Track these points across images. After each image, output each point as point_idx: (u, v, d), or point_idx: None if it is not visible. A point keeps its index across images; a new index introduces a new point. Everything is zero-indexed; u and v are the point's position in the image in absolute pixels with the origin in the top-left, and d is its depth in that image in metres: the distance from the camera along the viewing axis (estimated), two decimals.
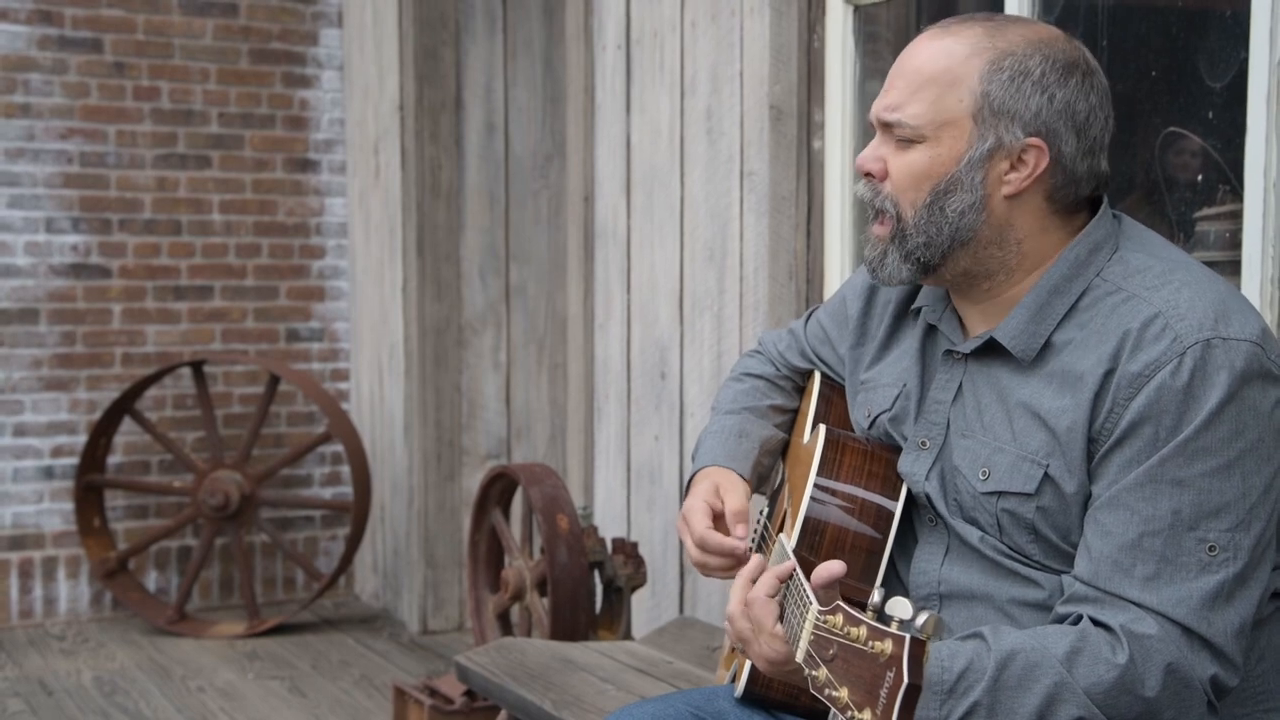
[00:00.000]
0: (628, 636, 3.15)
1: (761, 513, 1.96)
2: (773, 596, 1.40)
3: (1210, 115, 2.16)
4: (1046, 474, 1.44)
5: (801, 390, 1.93)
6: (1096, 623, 1.38)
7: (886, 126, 1.52)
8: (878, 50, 2.93)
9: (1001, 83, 1.46)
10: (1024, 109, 1.46)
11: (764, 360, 1.96)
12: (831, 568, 1.32)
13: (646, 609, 3.41)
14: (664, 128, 3.33)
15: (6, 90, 4.61)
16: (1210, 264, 2.10)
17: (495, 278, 4.65)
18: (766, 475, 1.89)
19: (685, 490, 1.82)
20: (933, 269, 1.52)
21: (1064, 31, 1.55)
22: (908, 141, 1.49)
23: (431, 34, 4.53)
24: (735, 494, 1.75)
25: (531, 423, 4.65)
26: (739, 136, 3.06)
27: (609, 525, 3.55)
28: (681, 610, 3.32)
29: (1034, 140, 1.46)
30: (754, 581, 1.44)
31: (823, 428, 1.66)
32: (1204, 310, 1.40)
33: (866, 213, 1.58)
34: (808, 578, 1.46)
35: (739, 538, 1.70)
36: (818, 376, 1.87)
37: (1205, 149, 2.16)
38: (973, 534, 1.51)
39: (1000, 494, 1.48)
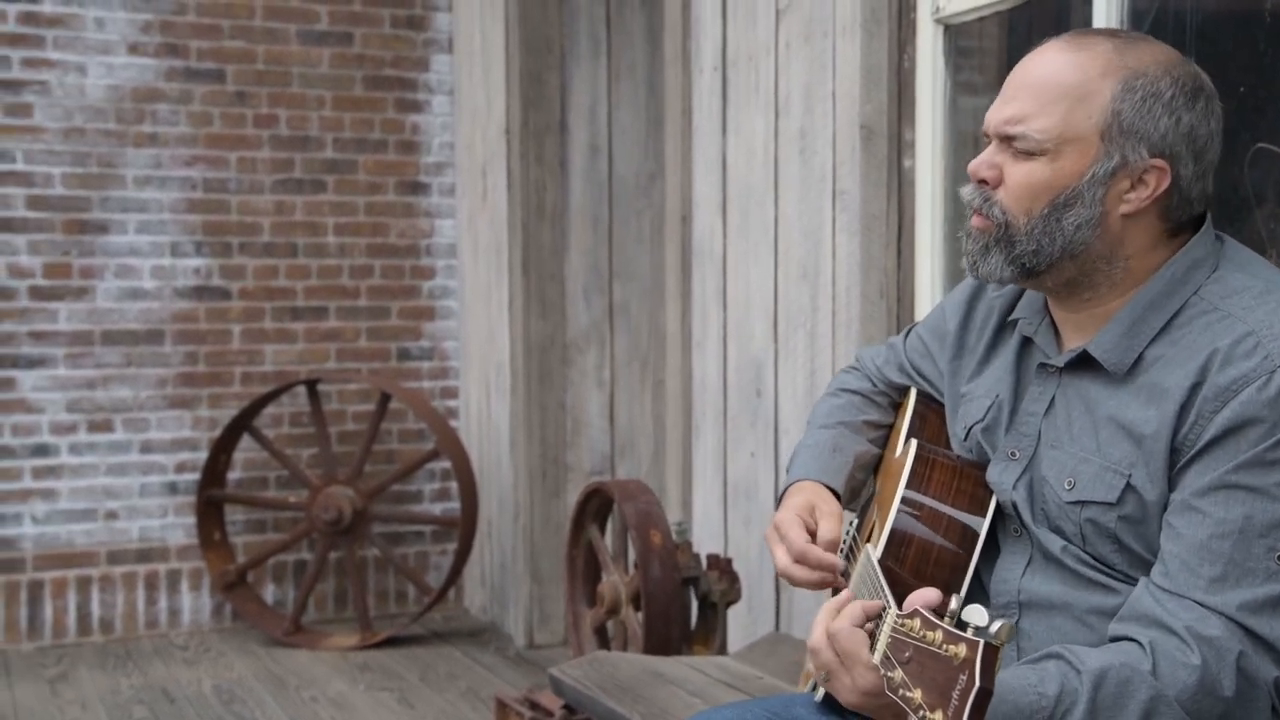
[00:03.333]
0: (722, 652, 3.17)
1: (851, 523, 1.97)
2: (860, 626, 1.38)
3: None
4: (1129, 484, 1.45)
5: (897, 406, 1.95)
6: (1160, 625, 1.38)
7: (1006, 139, 1.51)
8: (968, 68, 2.93)
9: (1134, 103, 1.46)
10: (1152, 130, 1.47)
11: (860, 376, 1.97)
12: (927, 596, 1.30)
13: (743, 625, 3.43)
14: (758, 148, 3.36)
15: (136, 120, 4.82)
16: None
17: (599, 296, 4.72)
18: (859, 490, 1.91)
19: (778, 501, 1.84)
20: (1036, 274, 1.53)
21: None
22: (1028, 153, 1.50)
23: (537, 58, 4.63)
24: (830, 519, 1.74)
25: (635, 439, 4.71)
26: (831, 156, 3.08)
27: (706, 541, 3.58)
28: (778, 626, 3.34)
29: (1158, 161, 1.47)
30: (839, 611, 1.41)
31: (914, 442, 1.69)
32: None
33: (963, 211, 1.59)
34: (891, 584, 1.48)
35: (826, 564, 1.72)
36: (914, 393, 1.88)
37: None
38: (1056, 543, 1.53)
39: (1084, 503, 1.49)
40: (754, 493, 3.43)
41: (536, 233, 4.64)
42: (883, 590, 1.45)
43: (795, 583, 1.73)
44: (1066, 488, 1.51)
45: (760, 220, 3.37)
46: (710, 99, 3.57)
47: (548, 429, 4.66)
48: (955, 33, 2.91)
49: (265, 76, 4.98)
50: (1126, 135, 1.46)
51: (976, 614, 1.20)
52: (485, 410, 4.97)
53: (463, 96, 5.08)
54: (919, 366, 1.87)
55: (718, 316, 3.56)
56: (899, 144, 2.97)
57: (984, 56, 2.96)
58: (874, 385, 1.95)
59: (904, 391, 1.92)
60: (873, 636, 1.37)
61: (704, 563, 3.21)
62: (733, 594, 3.19)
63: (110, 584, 4.82)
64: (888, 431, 1.94)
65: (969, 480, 1.64)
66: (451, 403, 5.23)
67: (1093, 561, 1.50)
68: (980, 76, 3.02)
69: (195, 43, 4.87)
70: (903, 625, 1.25)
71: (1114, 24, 2.43)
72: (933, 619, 1.22)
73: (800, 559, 1.70)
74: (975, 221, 1.54)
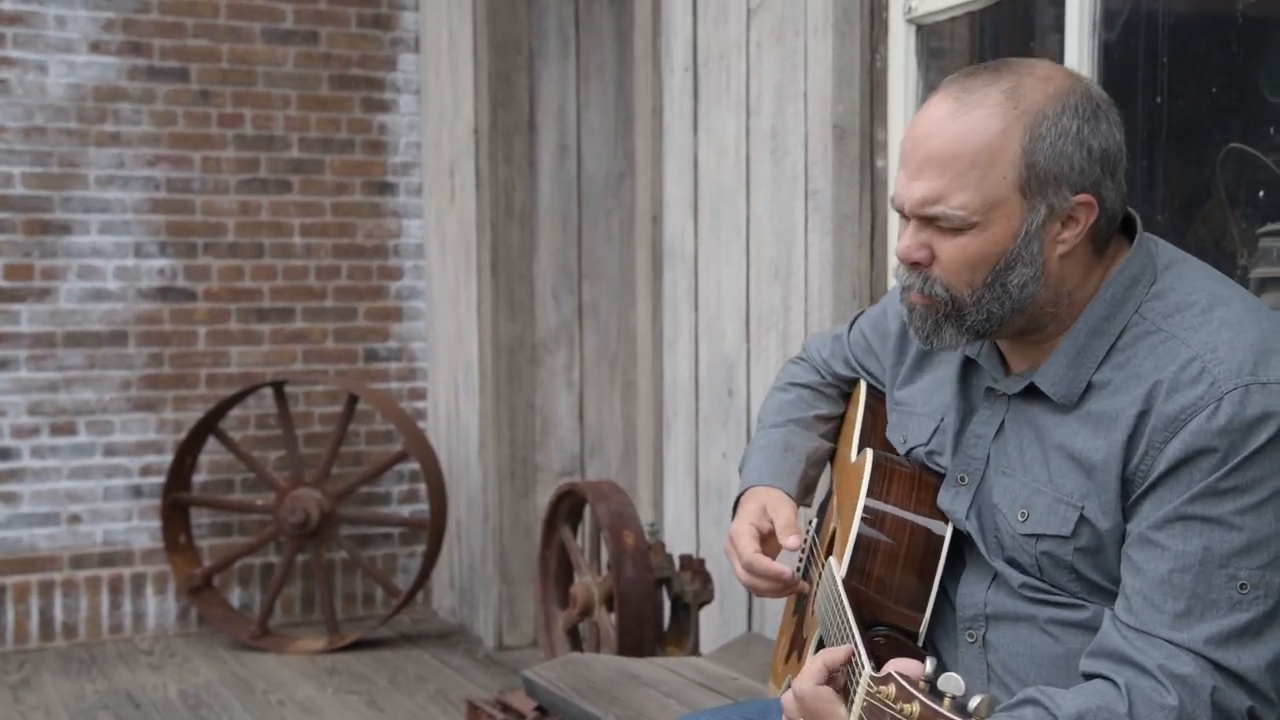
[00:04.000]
0: (695, 652, 3.17)
1: (810, 523, 1.97)
2: (824, 683, 1.37)
3: (1272, 131, 2.14)
4: (1082, 515, 1.44)
5: (847, 396, 1.94)
6: (1132, 664, 1.36)
7: (926, 218, 1.45)
8: (940, 68, 2.94)
9: (1044, 150, 1.41)
10: (1069, 169, 1.42)
11: (809, 368, 1.96)
12: (908, 670, 1.27)
13: (715, 625, 3.42)
14: (730, 148, 3.36)
15: (98, 120, 4.76)
16: (1273, 280, 2.09)
17: (568, 297, 4.71)
18: (813, 486, 1.90)
19: (734, 508, 1.84)
20: (990, 334, 1.50)
21: (1062, 67, 1.51)
22: (955, 229, 1.44)
23: (506, 58, 4.61)
24: (784, 509, 1.77)
25: (604, 440, 4.69)
26: (803, 156, 3.08)
27: (678, 542, 3.58)
28: (750, 627, 3.34)
29: (1082, 197, 1.43)
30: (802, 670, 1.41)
31: (869, 453, 1.66)
32: (1244, 352, 1.37)
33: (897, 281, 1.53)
34: (856, 605, 1.46)
35: (791, 548, 1.72)
36: (864, 385, 1.87)
37: (1267, 165, 2.14)
38: (1015, 578, 1.51)
39: (1039, 536, 1.47)
40: (726, 493, 3.42)
41: (505, 233, 4.62)
42: (849, 625, 1.43)
43: (757, 593, 1.73)
44: (1020, 519, 1.49)
45: (732, 220, 3.36)
46: (681, 98, 3.56)
47: (517, 430, 4.64)
48: (927, 33, 2.91)
49: (230, 75, 4.93)
50: (1046, 183, 1.42)
51: (952, 683, 1.18)
52: (454, 411, 4.95)
53: (430, 96, 5.06)
54: (864, 363, 1.86)
55: (689, 316, 3.56)
56: (871, 144, 2.98)
57: (955, 57, 2.97)
58: (822, 377, 1.93)
59: (853, 383, 1.91)
60: (846, 693, 1.35)
61: (677, 563, 3.20)
62: (705, 595, 3.18)
63: (74, 588, 4.76)
64: (839, 423, 1.93)
65: (928, 489, 1.62)
66: (420, 404, 5.20)
67: (1051, 589, 1.49)
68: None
69: (158, 41, 4.82)
70: (878, 692, 1.23)
71: (1086, 27, 2.44)
72: (908, 688, 1.20)
73: (748, 568, 1.71)
74: (917, 299, 1.49)
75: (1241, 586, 1.35)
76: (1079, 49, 2.46)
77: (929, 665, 1.22)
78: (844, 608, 1.49)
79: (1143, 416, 1.39)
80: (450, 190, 4.88)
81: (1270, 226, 2.13)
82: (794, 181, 3.11)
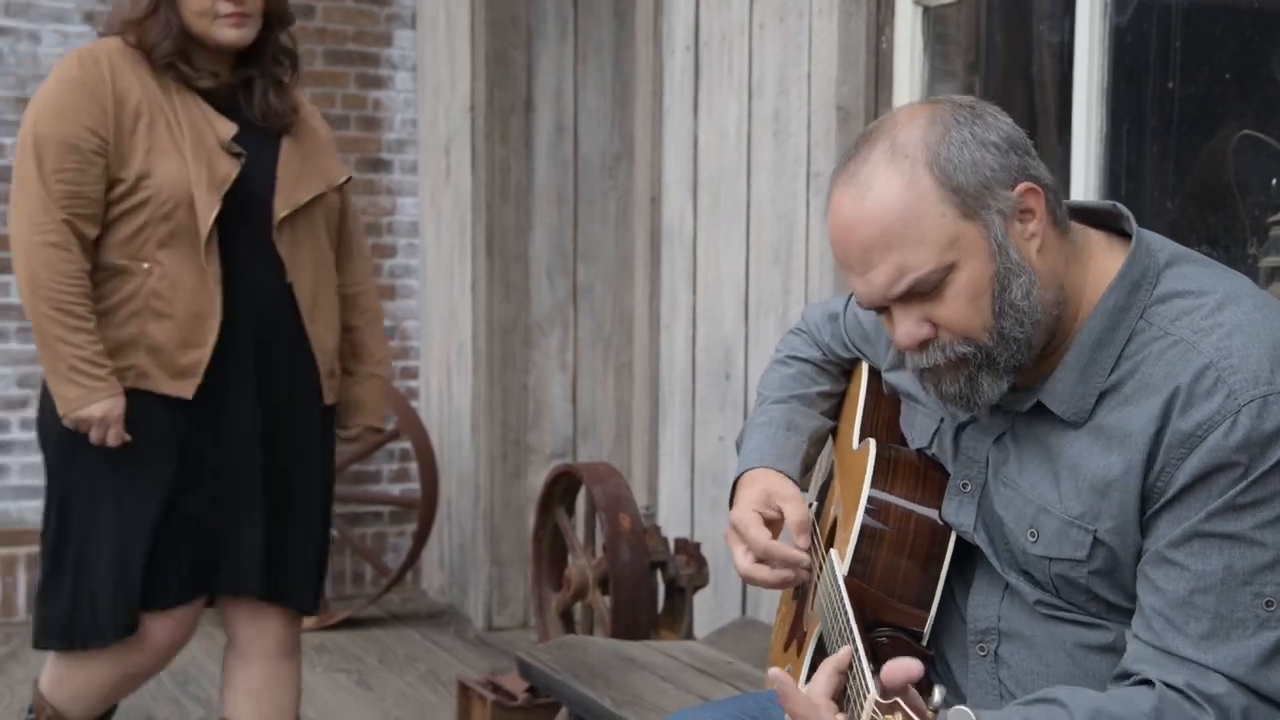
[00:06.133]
0: (690, 636, 3.16)
1: (811, 506, 1.92)
2: (829, 696, 1.33)
3: None
4: (1096, 538, 1.40)
5: (848, 374, 1.89)
6: (1166, 684, 1.33)
7: (902, 297, 1.40)
8: (947, 52, 2.92)
9: (958, 171, 1.38)
10: (990, 171, 1.39)
11: (809, 340, 1.90)
12: (910, 670, 1.22)
13: (709, 609, 3.41)
14: (731, 129, 3.34)
15: None
16: None
17: (563, 278, 4.68)
18: (813, 464, 1.86)
19: (732, 490, 1.77)
20: (1023, 364, 1.43)
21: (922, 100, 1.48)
22: (937, 286, 1.40)
23: (503, 36, 4.57)
24: (793, 504, 1.70)
25: (597, 422, 4.68)
26: (806, 138, 3.05)
27: (672, 525, 3.56)
28: (744, 611, 3.33)
29: (1021, 186, 1.40)
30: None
31: (872, 443, 1.62)
32: (1259, 359, 1.34)
33: (919, 371, 1.46)
34: (858, 605, 1.42)
35: (802, 546, 1.65)
36: (865, 365, 1.84)
37: (1279, 153, 2.13)
38: (1030, 594, 1.47)
39: (1051, 559, 1.43)
40: (722, 476, 3.40)
41: (500, 212, 4.59)
42: (851, 631, 1.39)
43: (759, 583, 1.66)
44: (1030, 539, 1.45)
45: (731, 202, 3.34)
46: (682, 79, 3.54)
47: (510, 410, 4.62)
48: (934, 16, 2.89)
49: None
50: (981, 195, 1.38)
51: (960, 716, 1.14)
52: (446, 391, 4.92)
53: (426, 73, 5.02)
54: (861, 349, 1.82)
55: (687, 299, 3.54)
56: None
57: (961, 41, 2.95)
58: (824, 354, 1.89)
59: (853, 361, 1.87)
60: (844, 697, 1.31)
61: (672, 547, 3.19)
62: (700, 578, 3.17)
63: None
64: (840, 399, 1.90)
65: (933, 483, 1.57)
66: (412, 383, 5.17)
67: (1069, 607, 1.46)
68: (959, 60, 3.01)
69: None
70: None
71: (1097, 11, 2.43)
72: (915, 718, 1.16)
73: (764, 558, 1.64)
74: (943, 368, 1.43)
75: (1268, 604, 1.32)
76: (1090, 33, 2.44)
77: (938, 695, 1.17)
78: (846, 611, 1.45)
79: (1160, 433, 1.35)
80: (445, 168, 4.85)
81: None
82: (796, 164, 3.09)
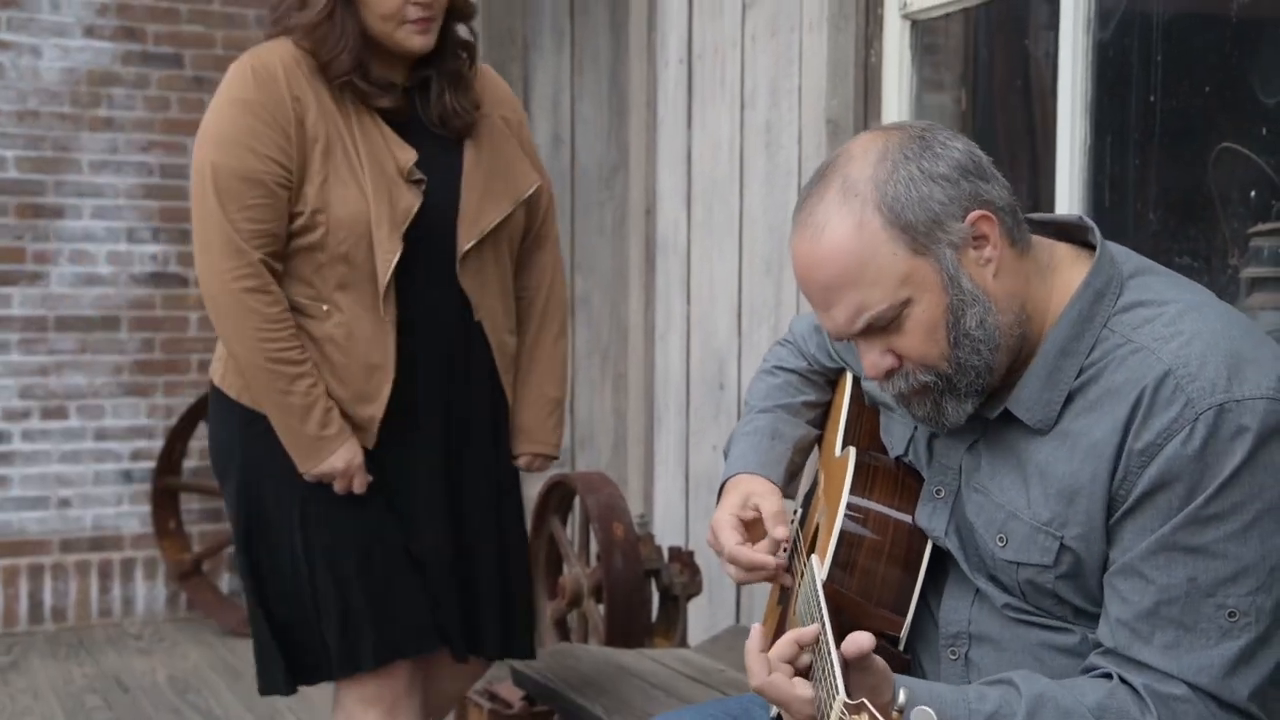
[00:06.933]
0: (683, 644, 3.18)
1: (795, 513, 1.96)
2: (790, 662, 1.38)
3: (1264, 131, 2.15)
4: (1063, 544, 1.43)
5: (833, 384, 1.93)
6: (1123, 680, 1.37)
7: (863, 332, 1.46)
8: (934, 64, 2.95)
9: (906, 208, 1.41)
10: (939, 205, 1.41)
11: (795, 351, 1.94)
12: (860, 642, 1.28)
13: (703, 617, 3.44)
14: (724, 141, 3.37)
15: (92, 104, 4.75)
16: (1263, 280, 2.10)
17: None
18: (799, 472, 1.90)
19: (718, 494, 1.84)
20: (987, 386, 1.48)
21: (868, 129, 1.50)
22: (894, 320, 1.44)
23: (500, 49, 4.61)
24: (769, 499, 1.75)
25: (595, 432, 4.70)
26: (797, 150, 3.08)
27: (667, 534, 3.58)
28: (738, 619, 3.35)
29: (972, 215, 1.42)
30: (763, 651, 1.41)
31: (852, 451, 1.65)
32: (1216, 366, 1.36)
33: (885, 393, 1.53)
34: (835, 611, 1.45)
35: (780, 537, 1.71)
36: (849, 374, 1.87)
37: (1259, 165, 2.15)
38: (998, 598, 1.51)
39: (1019, 564, 1.47)
40: (716, 485, 3.42)
41: None
42: (829, 659, 1.42)
43: (741, 581, 1.73)
44: (999, 544, 1.48)
45: (725, 214, 3.37)
46: (676, 92, 3.57)
47: None
48: (922, 29, 2.92)
49: (224, 62, 4.90)
50: (930, 230, 1.41)
51: (923, 716, 1.17)
52: None
53: None
54: (844, 358, 1.86)
55: (681, 310, 3.57)
56: None
57: (949, 54, 2.97)
58: (809, 364, 1.92)
59: (838, 371, 1.90)
60: (809, 672, 1.35)
61: (666, 555, 3.21)
62: (694, 587, 3.19)
63: (63, 572, 4.76)
64: (826, 409, 1.93)
65: (910, 491, 1.61)
66: None
67: (1036, 611, 1.49)
68: (947, 73, 3.04)
69: (152, 26, 4.81)
70: None
71: (1080, 25, 2.45)
72: (880, 718, 1.18)
73: (732, 560, 1.70)
74: (910, 394, 1.49)
75: (1230, 615, 1.34)
76: (1073, 47, 2.47)
77: (902, 695, 1.20)
78: (822, 612, 1.48)
79: (1123, 441, 1.38)
80: None
81: (1261, 226, 2.14)
82: (788, 176, 3.12)
